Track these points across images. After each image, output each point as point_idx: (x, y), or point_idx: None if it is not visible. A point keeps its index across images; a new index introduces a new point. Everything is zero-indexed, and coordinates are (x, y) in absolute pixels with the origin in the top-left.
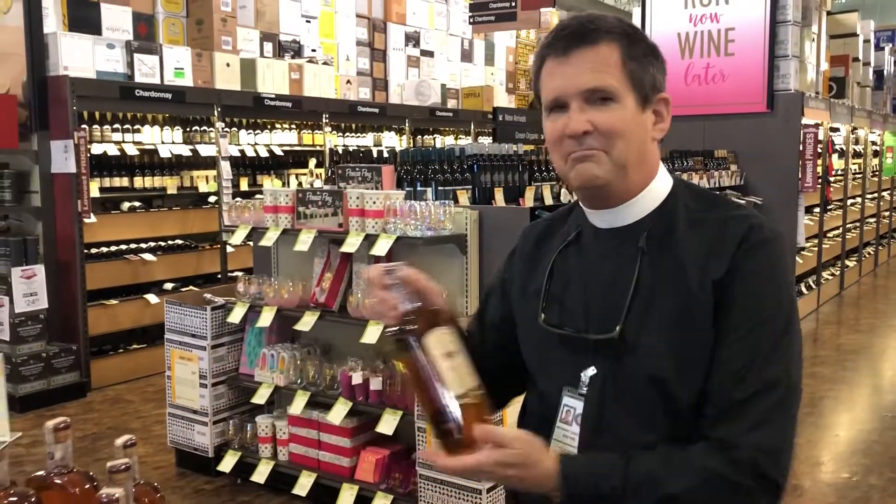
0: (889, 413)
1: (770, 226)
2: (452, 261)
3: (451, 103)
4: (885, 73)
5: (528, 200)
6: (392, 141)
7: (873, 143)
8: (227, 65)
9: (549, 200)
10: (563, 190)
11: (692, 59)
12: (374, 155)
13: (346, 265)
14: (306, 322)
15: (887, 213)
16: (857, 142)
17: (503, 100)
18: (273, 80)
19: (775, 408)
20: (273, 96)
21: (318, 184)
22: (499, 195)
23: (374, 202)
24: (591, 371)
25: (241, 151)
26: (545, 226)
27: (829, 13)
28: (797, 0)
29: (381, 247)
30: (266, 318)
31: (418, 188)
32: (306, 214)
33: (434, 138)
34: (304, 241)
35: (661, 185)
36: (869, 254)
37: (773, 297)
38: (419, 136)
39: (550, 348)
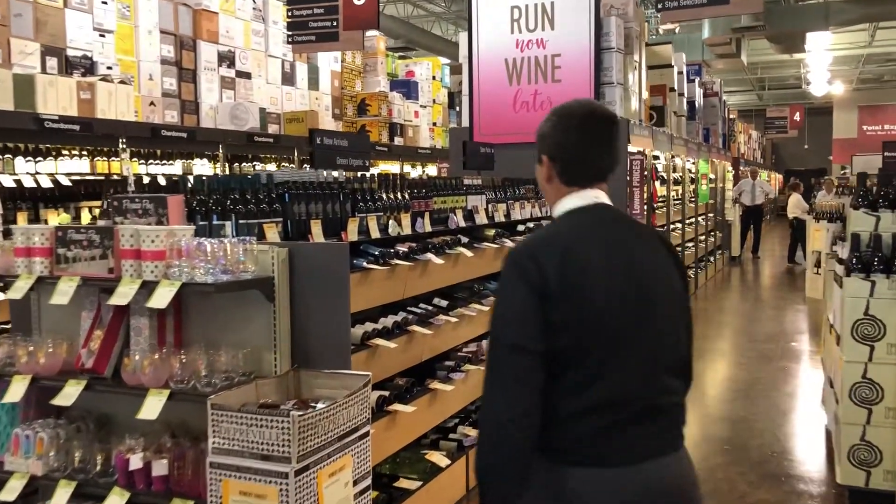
0: (727, 446)
1: (518, 246)
2: (257, 310)
3: (273, 128)
4: (696, 104)
5: (352, 234)
6: (205, 169)
7: (689, 170)
8: None
9: (375, 233)
10: (391, 222)
11: (520, 85)
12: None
13: (120, 321)
14: (67, 394)
15: (703, 238)
16: (675, 169)
17: (330, 125)
18: (57, 99)
19: None
20: (57, 118)
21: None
22: (316, 229)
23: (153, 241)
24: None
25: (18, 181)
26: None
27: (647, 44)
28: (619, 28)
29: (161, 297)
30: (17, 391)
31: (214, 222)
32: (68, 258)
33: (253, 166)
34: (64, 292)
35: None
36: (689, 277)
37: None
38: (237, 164)
39: None
